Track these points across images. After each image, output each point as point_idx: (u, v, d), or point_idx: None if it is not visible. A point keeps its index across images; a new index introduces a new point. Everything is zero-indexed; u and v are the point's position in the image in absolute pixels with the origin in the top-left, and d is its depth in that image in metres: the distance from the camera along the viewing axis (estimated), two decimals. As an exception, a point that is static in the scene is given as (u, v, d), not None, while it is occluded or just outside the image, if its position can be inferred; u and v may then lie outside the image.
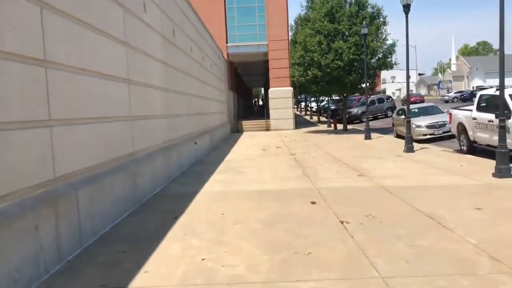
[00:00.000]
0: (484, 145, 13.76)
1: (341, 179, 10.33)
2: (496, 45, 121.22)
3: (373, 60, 24.87)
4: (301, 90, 35.61)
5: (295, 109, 69.36)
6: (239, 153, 17.33)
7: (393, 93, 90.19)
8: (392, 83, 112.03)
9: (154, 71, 10.70)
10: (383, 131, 26.09)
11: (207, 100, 20.11)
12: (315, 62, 24.12)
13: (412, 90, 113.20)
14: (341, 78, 24.25)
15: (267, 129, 31.70)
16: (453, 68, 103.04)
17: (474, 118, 14.09)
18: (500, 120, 9.86)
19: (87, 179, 6.27)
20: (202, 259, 5.14)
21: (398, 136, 21.90)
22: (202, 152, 17.02)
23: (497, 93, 13.25)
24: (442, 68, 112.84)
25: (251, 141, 22.80)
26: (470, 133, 14.45)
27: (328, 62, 23.55)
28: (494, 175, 9.72)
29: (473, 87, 78.09)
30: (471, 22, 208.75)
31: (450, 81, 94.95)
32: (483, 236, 5.55)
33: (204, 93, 19.32)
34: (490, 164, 11.49)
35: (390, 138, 21.91)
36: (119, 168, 7.60)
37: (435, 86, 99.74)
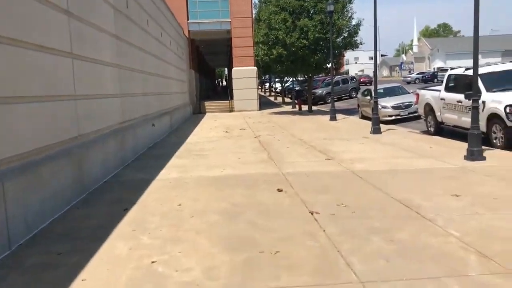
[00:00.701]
0: (452, 126, 13.49)
1: (308, 163, 9.73)
2: (456, 27, 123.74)
3: (338, 39, 24.36)
4: (265, 70, 34.89)
5: (259, 90, 68.61)
6: (201, 135, 16.51)
7: (356, 74, 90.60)
8: (355, 64, 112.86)
9: (104, 46, 9.70)
10: (348, 112, 25.78)
11: (166, 79, 19.07)
12: (280, 40, 23.37)
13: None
14: (306, 57, 23.65)
15: (231, 110, 30.86)
16: (415, 49, 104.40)
17: (442, 99, 13.77)
18: (473, 101, 9.45)
19: (18, 168, 5.37)
20: (152, 262, 4.40)
21: (363, 117, 21.59)
22: (161, 134, 16.11)
23: (467, 72, 12.95)
24: (404, 50, 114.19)
25: (214, 123, 21.97)
26: (437, 114, 14.14)
27: (293, 41, 22.84)
28: (466, 157, 9.34)
29: (434, 68, 79.31)
30: (432, 4, 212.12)
31: (412, 62, 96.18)
32: (465, 227, 5.05)
33: (163, 71, 18.28)
34: (459, 146, 11.18)
35: (355, 119, 21.55)
36: (60, 154, 6.69)
37: (397, 67, 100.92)
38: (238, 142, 13.80)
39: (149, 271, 4.19)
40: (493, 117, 11.10)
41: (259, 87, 71.19)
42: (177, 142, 14.42)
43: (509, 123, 10.58)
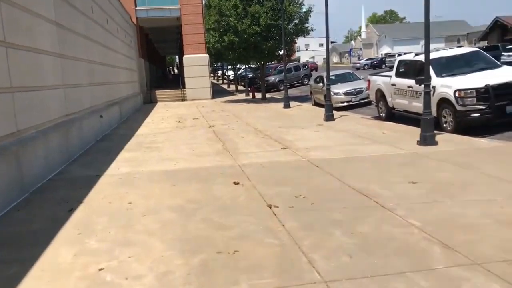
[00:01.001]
0: (402, 111, 13.66)
1: (264, 153, 9.51)
2: (402, 14, 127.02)
3: (290, 26, 24.24)
4: (217, 58, 34.37)
5: (212, 78, 67.79)
6: (152, 126, 15.95)
7: (307, 60, 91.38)
8: (306, 51, 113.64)
9: (44, 34, 9.02)
10: (301, 99, 25.81)
11: (114, 68, 18.28)
12: (231, 27, 22.96)
13: (324, 58, 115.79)
14: (258, 44, 23.40)
15: (183, 99, 30.19)
16: (363, 36, 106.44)
17: (393, 84, 13.90)
18: (425, 86, 9.52)
19: None
20: (99, 269, 4.04)
21: (316, 104, 21.64)
22: (110, 126, 15.42)
23: (417, 58, 13.11)
24: (352, 36, 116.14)
25: (166, 113, 21.36)
26: (389, 99, 14.29)
27: (244, 28, 22.50)
28: (419, 143, 9.41)
29: (381, 54, 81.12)
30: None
31: (361, 48, 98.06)
32: (426, 216, 4.98)
33: (111, 60, 17.49)
34: (410, 131, 11.32)
35: (308, 106, 21.57)
36: (-5, 152, 6.12)
37: (347, 54, 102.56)
38: (192, 133, 13.40)
39: (96, 281, 3.82)
40: (443, 102, 11.30)
41: (212, 75, 70.49)
42: (127, 134, 13.83)
43: (458, 107, 10.79)
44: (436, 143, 9.31)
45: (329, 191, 6.26)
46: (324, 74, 21.79)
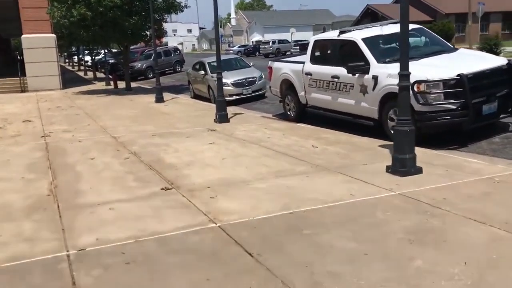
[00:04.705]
0: (321, 109, 10.08)
1: (128, 205, 4.92)
2: (269, 2, 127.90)
3: (159, 0, 19.54)
4: (71, 40, 28.09)
5: (67, 64, 59.09)
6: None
7: (174, 47, 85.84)
8: (174, 37, 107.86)
9: None
10: (176, 89, 21.25)
11: None
12: (82, -3, 17.52)
13: (194, 44, 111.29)
14: (119, 21, 18.31)
15: (23, 90, 23.59)
16: (233, 22, 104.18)
17: (308, 74, 10.15)
18: (401, 77, 5.71)
19: None
20: None
21: (196, 96, 17.34)
22: None
23: (346, 36, 9.47)
24: (222, 23, 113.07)
25: (-12, 111, 15.25)
26: (301, 93, 10.53)
27: (99, -2, 17.21)
28: (394, 171, 5.68)
29: (252, 41, 79.24)
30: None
31: (231, 35, 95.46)
32: None
33: None
34: (348, 140, 7.83)
35: (187, 100, 17.07)
36: None
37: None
38: (7, 151, 8.17)
39: None
40: (391, 99, 7.77)
41: (67, 60, 61.60)
42: None
43: (418, 107, 7.35)
44: (420, 171, 5.67)
45: None
46: (206, 60, 17.58)
